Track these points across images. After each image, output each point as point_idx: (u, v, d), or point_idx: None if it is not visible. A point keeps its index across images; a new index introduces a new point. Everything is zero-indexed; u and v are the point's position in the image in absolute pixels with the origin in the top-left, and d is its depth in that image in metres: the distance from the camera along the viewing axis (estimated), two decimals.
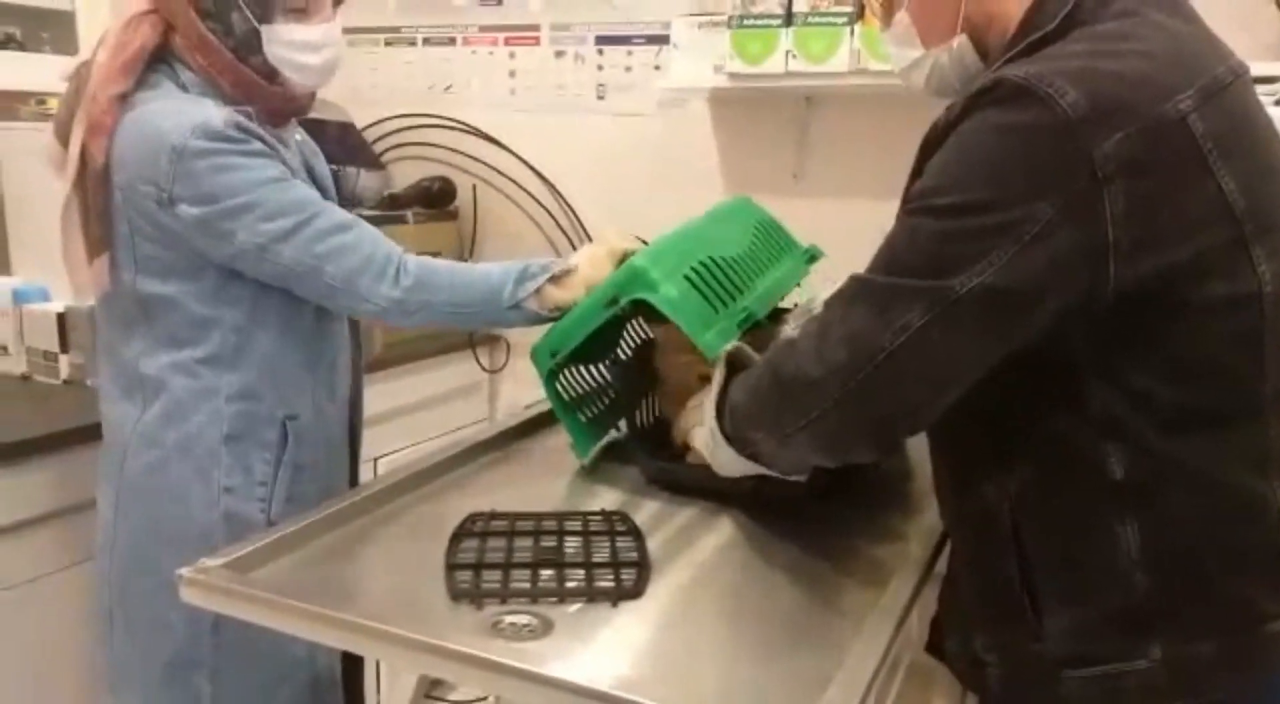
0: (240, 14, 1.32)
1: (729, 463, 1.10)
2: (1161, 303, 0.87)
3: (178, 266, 1.35)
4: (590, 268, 1.45)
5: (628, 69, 2.50)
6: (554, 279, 1.44)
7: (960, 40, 1.05)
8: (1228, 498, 0.91)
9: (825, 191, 2.34)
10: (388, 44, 2.74)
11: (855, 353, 0.90)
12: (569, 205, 2.60)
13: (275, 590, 1.02)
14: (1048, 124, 0.83)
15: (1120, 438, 0.90)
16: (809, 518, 1.21)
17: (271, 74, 1.37)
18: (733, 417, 1.07)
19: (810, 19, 2.09)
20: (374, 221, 1.46)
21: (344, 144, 2.50)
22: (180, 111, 1.30)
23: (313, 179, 1.50)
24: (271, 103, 1.39)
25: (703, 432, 1.14)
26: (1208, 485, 0.90)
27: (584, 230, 2.60)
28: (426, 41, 2.71)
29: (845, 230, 2.36)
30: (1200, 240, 0.86)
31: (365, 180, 2.47)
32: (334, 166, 1.73)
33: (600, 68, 2.52)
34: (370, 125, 2.72)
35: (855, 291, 0.94)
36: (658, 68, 2.45)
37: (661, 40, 2.41)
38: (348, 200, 2.07)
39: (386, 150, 2.74)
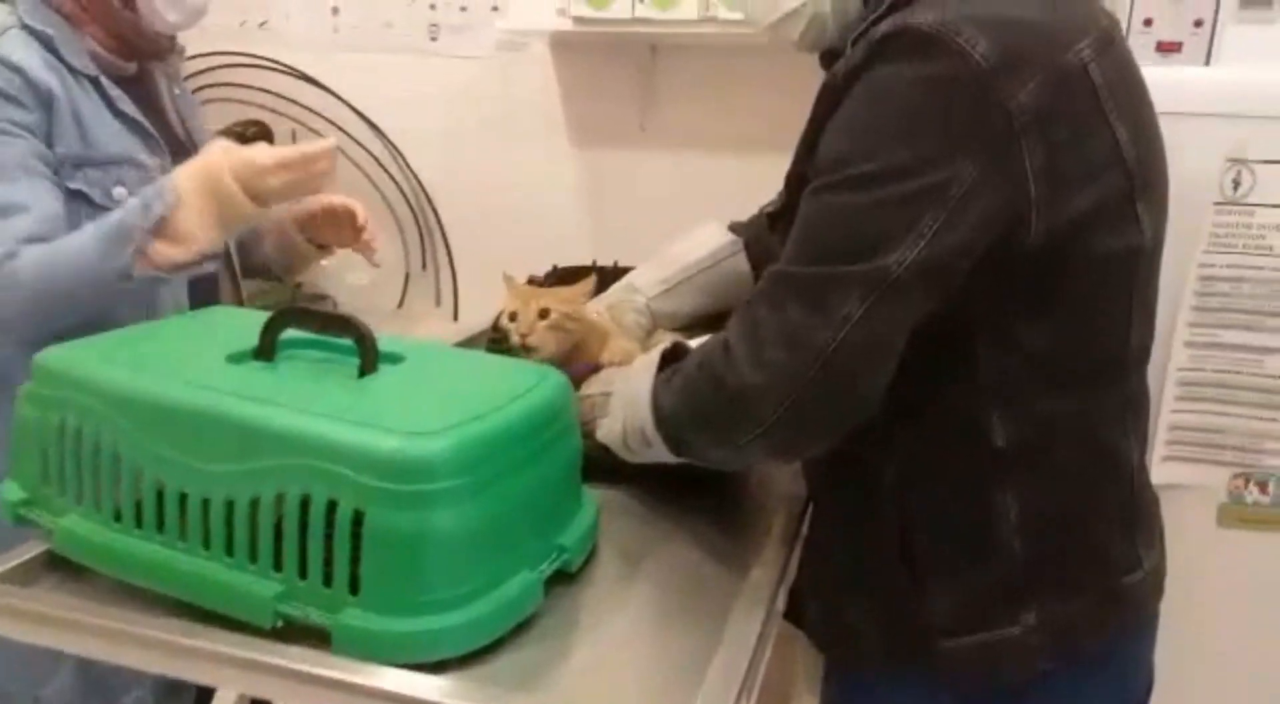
0: None
1: (653, 459, 1.03)
2: (1063, 257, 0.86)
3: None
4: (199, 199, 1.17)
5: (463, 9, 2.33)
6: (160, 231, 1.16)
7: None
8: (1096, 455, 0.94)
9: (672, 143, 2.28)
10: None
11: (798, 354, 0.84)
12: (399, 153, 2.44)
13: (62, 604, 0.87)
14: (962, 76, 0.79)
15: (1004, 403, 0.90)
16: (666, 488, 1.15)
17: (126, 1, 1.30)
18: (667, 423, 0.99)
19: None
20: None
21: None
22: None
23: (187, 134, 1.45)
24: (120, 28, 1.32)
25: (612, 424, 1.06)
26: (1079, 444, 0.92)
27: (417, 181, 2.44)
28: None
29: (693, 182, 2.33)
30: (1099, 190, 0.85)
31: None
32: None
33: (433, 6, 2.35)
34: None
35: (782, 286, 0.88)
36: (496, 8, 2.30)
37: None
38: None
39: (193, 92, 2.48)
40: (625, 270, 1.59)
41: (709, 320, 1.44)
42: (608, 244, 2.35)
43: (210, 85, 2.49)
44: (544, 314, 1.20)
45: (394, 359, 0.94)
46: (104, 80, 1.30)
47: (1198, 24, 1.46)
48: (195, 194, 1.17)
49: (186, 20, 1.36)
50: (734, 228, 1.40)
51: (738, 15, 1.91)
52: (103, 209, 1.24)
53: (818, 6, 1.00)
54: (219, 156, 1.19)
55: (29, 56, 1.23)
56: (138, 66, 1.39)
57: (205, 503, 0.82)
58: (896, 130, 0.83)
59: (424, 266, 2.46)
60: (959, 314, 0.87)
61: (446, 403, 0.85)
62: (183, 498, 0.83)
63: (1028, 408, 0.90)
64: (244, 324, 0.96)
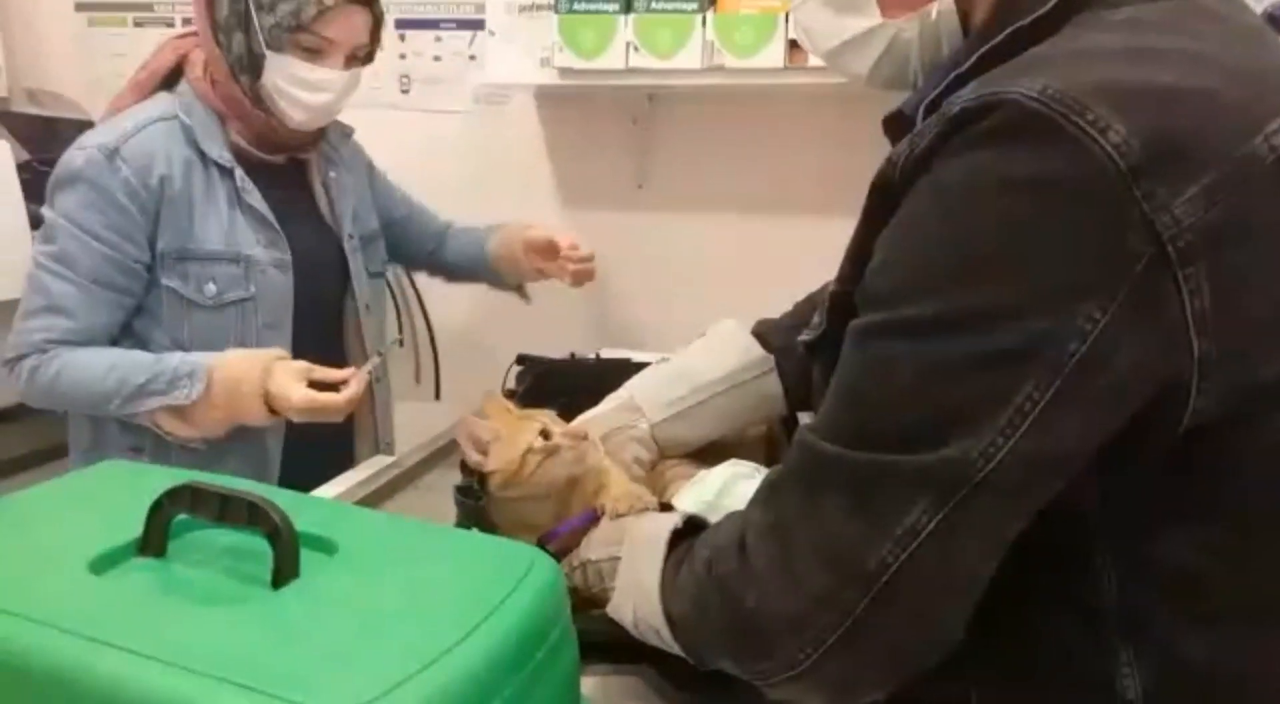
0: (245, 36, 1.32)
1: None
2: (1233, 441, 0.60)
3: None
4: (222, 398, 1.26)
5: (437, 58, 2.11)
6: (173, 410, 1.28)
7: (944, 6, 0.73)
8: None
9: (673, 204, 2.05)
10: (137, 25, 2.26)
11: (844, 576, 0.61)
12: None
13: None
14: (1088, 177, 0.55)
15: (1136, 642, 0.64)
16: (687, 674, 0.91)
17: (256, 98, 1.37)
18: (680, 633, 0.76)
19: (654, 5, 1.76)
20: None
21: None
22: (99, 130, 1.34)
23: (334, 218, 1.52)
24: (254, 125, 1.39)
25: (621, 602, 0.83)
26: (1245, 699, 0.65)
27: None
28: (187, 21, 2.24)
29: (697, 246, 2.10)
30: None
31: None
32: None
33: (403, 56, 2.13)
34: None
35: (818, 471, 0.63)
36: (473, 58, 2.08)
37: (476, 25, 2.04)
38: None
39: None
40: (610, 364, 1.35)
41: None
42: (605, 314, 2.12)
43: None
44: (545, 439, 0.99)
45: (324, 547, 0.69)
46: (238, 172, 1.37)
47: None
48: (220, 393, 1.26)
49: (313, 119, 1.40)
50: (761, 334, 1.14)
51: (747, 62, 1.71)
52: (192, 303, 1.34)
53: (899, 31, 0.74)
54: (258, 373, 1.25)
55: (158, 151, 1.31)
56: (288, 156, 1.47)
57: None
58: (982, 255, 0.58)
59: (400, 342, 2.22)
60: (1070, 515, 0.62)
61: (395, 631, 0.61)
62: None
63: (1169, 650, 0.64)
64: (135, 493, 0.72)
